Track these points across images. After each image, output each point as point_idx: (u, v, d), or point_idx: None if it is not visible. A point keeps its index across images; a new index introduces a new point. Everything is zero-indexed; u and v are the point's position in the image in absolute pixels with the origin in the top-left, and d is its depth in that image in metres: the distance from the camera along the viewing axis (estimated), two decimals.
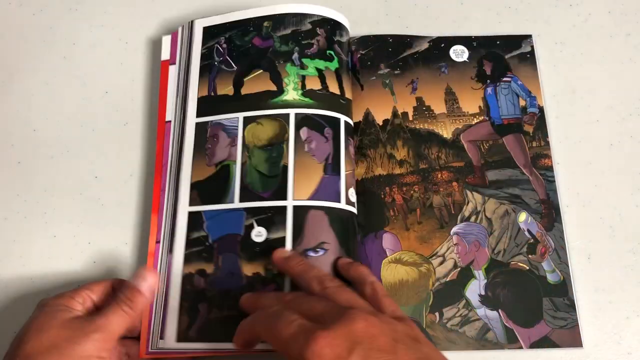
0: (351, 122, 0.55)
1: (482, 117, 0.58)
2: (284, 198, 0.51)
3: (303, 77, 0.55)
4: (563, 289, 0.51)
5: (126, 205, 0.56)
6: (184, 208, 0.53)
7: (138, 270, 0.49)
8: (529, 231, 0.53)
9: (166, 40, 0.60)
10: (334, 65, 0.56)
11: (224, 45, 0.58)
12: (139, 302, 0.46)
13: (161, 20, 0.63)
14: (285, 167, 0.52)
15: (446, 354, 0.50)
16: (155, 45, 0.62)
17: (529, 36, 0.61)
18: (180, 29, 0.60)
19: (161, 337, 0.49)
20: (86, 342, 0.42)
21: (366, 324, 0.38)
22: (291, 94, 0.54)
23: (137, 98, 0.60)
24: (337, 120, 0.54)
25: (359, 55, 0.59)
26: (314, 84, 0.55)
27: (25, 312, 0.46)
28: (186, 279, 0.50)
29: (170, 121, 0.56)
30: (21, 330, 0.44)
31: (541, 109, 0.58)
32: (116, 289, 0.48)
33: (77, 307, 0.45)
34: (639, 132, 0.58)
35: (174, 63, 0.58)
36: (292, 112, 0.53)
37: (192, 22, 0.59)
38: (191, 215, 0.52)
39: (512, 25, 0.62)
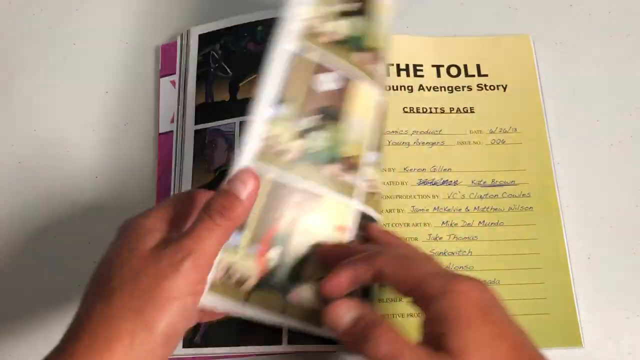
0: None
1: None
2: None
3: None
4: None
5: (126, 206, 0.56)
6: None
7: (237, 173, 0.38)
8: None
9: (161, 50, 0.61)
10: None
11: (219, 52, 0.58)
12: (237, 211, 0.36)
13: (162, 20, 0.63)
14: None
15: None
16: (155, 45, 0.62)
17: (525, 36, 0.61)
18: (179, 38, 0.60)
19: None
20: (176, 277, 0.33)
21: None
22: None
23: (137, 98, 0.60)
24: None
25: None
26: None
27: (26, 312, 0.46)
28: None
29: (163, 133, 0.57)
30: (103, 264, 0.37)
31: None
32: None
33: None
34: (639, 132, 0.58)
35: (171, 73, 0.59)
36: None
37: (188, 30, 0.60)
38: None
39: (512, 25, 0.62)
